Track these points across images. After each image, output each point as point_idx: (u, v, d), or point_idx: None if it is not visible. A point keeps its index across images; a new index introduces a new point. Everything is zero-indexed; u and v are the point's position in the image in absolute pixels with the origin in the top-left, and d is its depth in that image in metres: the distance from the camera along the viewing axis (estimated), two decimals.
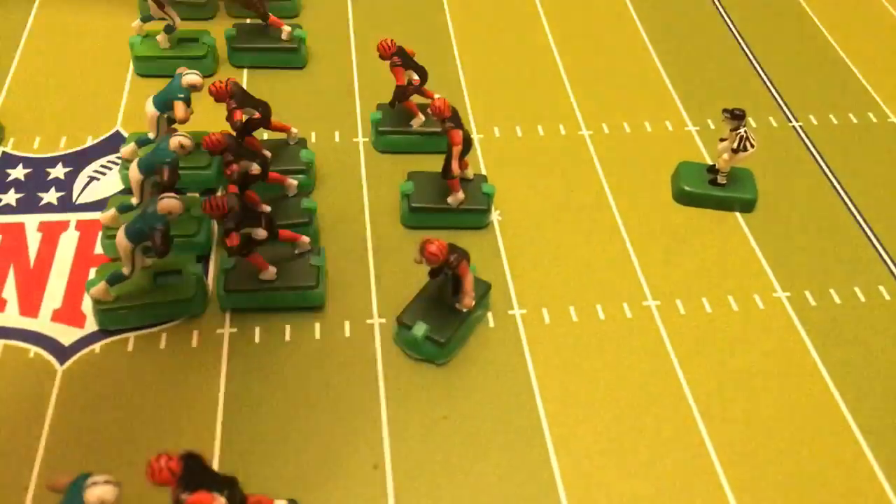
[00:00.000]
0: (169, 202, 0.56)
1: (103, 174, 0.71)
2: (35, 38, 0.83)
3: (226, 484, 0.44)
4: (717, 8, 0.96)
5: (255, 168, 0.62)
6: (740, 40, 0.91)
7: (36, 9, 0.86)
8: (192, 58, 0.79)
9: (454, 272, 0.57)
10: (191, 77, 0.64)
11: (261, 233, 0.58)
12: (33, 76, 0.79)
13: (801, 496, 0.55)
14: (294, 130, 0.71)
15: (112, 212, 0.63)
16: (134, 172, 0.62)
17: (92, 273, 0.62)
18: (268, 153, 0.68)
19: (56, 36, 0.83)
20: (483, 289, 0.62)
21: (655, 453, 0.56)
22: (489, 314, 0.63)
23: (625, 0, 0.95)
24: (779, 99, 0.84)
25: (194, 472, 0.43)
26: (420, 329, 0.59)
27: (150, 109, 0.66)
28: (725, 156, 0.70)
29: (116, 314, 0.60)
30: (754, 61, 0.88)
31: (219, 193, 0.67)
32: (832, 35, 0.93)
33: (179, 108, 0.64)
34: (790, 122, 0.82)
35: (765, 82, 0.86)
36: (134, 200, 0.62)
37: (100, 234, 0.65)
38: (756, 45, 0.91)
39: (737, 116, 0.68)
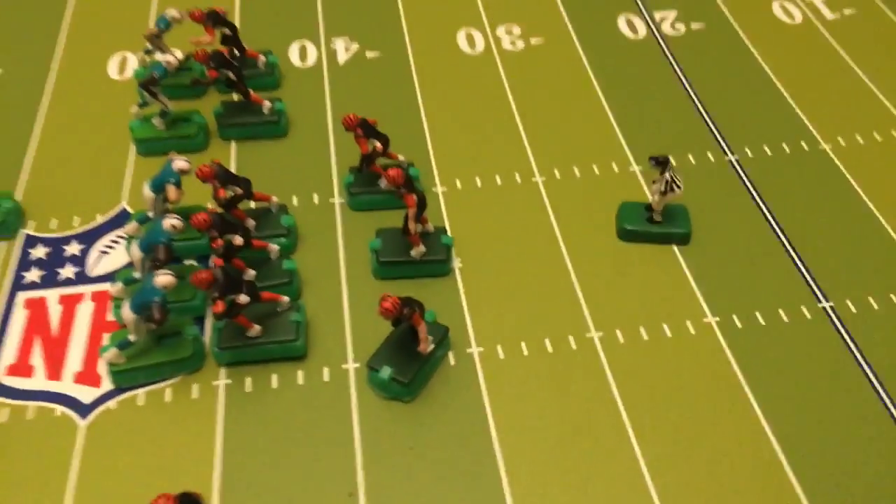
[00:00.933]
0: (164, 279, 0.66)
1: (112, 248, 0.81)
2: (47, 129, 0.93)
3: None
4: (663, 48, 1.04)
5: (238, 240, 0.72)
6: (682, 77, 0.99)
7: (49, 100, 0.97)
8: (185, 136, 0.89)
9: (409, 323, 0.66)
10: (180, 163, 0.74)
11: (243, 298, 0.68)
12: (47, 163, 0.89)
13: (719, 501, 0.63)
14: (274, 199, 0.81)
15: (119, 285, 0.73)
16: (135, 250, 0.72)
17: (105, 339, 0.73)
18: (252, 222, 0.78)
19: (65, 125, 0.94)
20: (442, 332, 0.71)
21: (593, 469, 0.65)
22: (450, 353, 0.72)
23: (579, 52, 1.04)
24: (717, 134, 0.92)
25: None
26: (386, 372, 0.68)
27: (147, 192, 0.76)
28: (656, 197, 0.79)
29: (127, 374, 0.69)
30: (695, 98, 0.97)
31: (211, 264, 0.77)
32: (770, 67, 1.01)
33: (171, 191, 0.74)
34: (726, 155, 0.90)
35: (704, 119, 0.94)
36: (136, 275, 0.72)
37: (110, 303, 0.75)
38: (699, 82, 0.99)
39: (660, 163, 0.77)
